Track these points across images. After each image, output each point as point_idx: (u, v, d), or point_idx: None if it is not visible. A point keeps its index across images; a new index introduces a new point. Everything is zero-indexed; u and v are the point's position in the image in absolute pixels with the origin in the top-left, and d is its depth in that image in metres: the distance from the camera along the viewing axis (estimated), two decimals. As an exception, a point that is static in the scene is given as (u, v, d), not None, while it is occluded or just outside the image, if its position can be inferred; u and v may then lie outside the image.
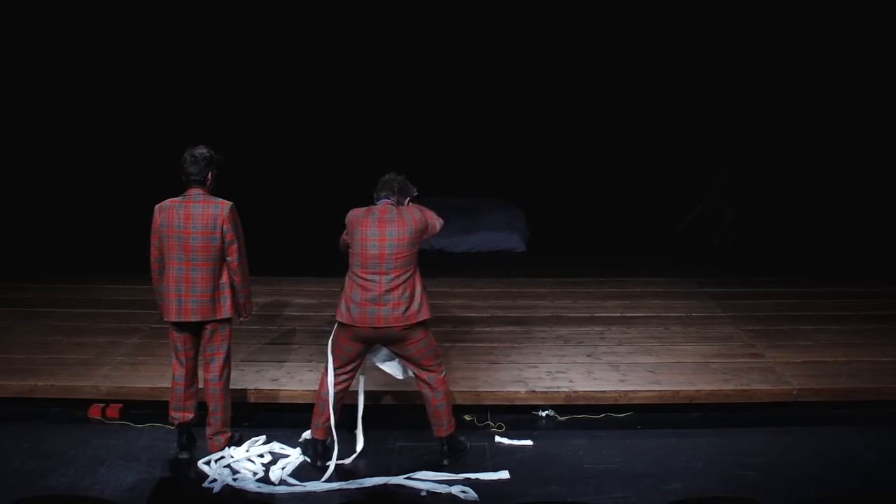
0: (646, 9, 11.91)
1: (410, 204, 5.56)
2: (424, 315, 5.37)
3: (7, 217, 10.38)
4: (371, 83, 12.42)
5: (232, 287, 5.54)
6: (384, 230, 5.31)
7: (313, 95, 12.43)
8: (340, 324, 5.41)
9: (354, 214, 5.42)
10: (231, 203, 5.50)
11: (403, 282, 5.31)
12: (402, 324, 5.30)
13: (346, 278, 5.43)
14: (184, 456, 5.63)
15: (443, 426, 5.57)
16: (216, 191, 5.57)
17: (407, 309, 5.30)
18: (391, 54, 12.28)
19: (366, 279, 5.30)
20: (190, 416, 5.66)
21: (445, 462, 5.54)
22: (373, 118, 12.45)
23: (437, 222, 5.60)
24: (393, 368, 5.68)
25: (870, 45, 11.11)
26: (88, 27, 11.28)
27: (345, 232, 5.49)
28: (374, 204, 5.44)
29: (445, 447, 5.59)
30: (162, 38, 11.62)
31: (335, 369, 5.48)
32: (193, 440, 5.71)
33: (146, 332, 7.27)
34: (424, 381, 5.52)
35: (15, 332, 7.30)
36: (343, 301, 5.40)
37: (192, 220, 5.40)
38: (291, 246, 10.45)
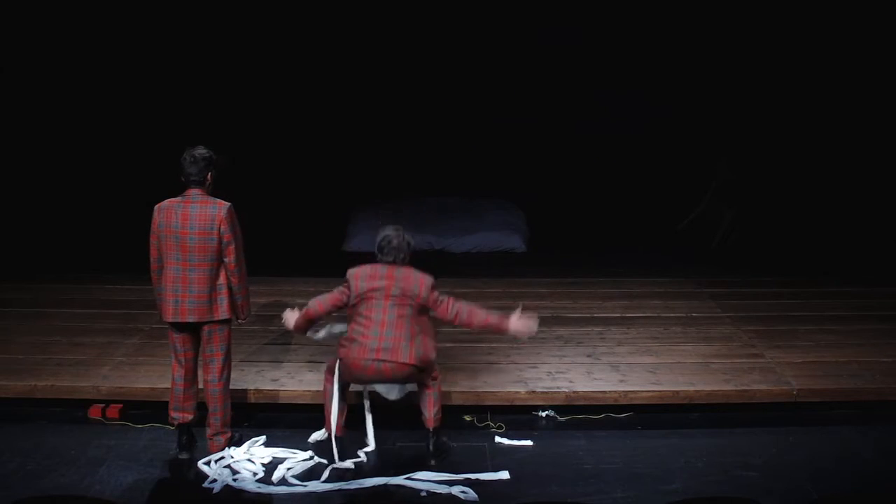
0: (647, 8, 11.90)
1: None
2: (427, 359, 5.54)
3: (7, 217, 10.37)
4: (371, 83, 12.41)
5: (230, 288, 5.54)
6: (391, 284, 5.44)
7: (313, 96, 12.43)
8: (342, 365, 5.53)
9: (360, 272, 5.50)
10: (229, 204, 5.49)
11: (409, 334, 5.44)
12: (406, 371, 5.48)
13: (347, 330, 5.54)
14: (184, 456, 5.63)
15: (433, 416, 5.62)
16: (216, 191, 5.57)
17: (409, 355, 5.42)
18: (391, 54, 12.27)
19: (367, 331, 5.41)
20: (190, 416, 5.66)
21: (433, 462, 5.56)
22: (373, 118, 12.45)
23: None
24: (385, 389, 5.76)
25: (871, 44, 11.11)
26: (89, 27, 11.28)
27: (342, 290, 5.52)
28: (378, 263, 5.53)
29: (432, 441, 5.62)
30: (162, 38, 11.62)
31: (340, 387, 5.59)
32: (193, 440, 5.71)
33: (146, 333, 7.27)
34: (428, 387, 5.65)
35: (15, 332, 7.30)
36: (347, 346, 5.47)
37: (190, 220, 5.40)
38: (291, 246, 10.45)
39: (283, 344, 7.12)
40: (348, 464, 5.53)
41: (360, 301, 5.46)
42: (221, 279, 5.50)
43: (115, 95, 11.67)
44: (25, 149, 11.20)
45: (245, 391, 6.20)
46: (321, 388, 5.85)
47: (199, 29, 11.65)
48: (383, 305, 5.42)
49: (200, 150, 5.51)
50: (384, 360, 5.39)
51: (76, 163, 11.40)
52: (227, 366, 5.65)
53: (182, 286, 5.45)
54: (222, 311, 5.53)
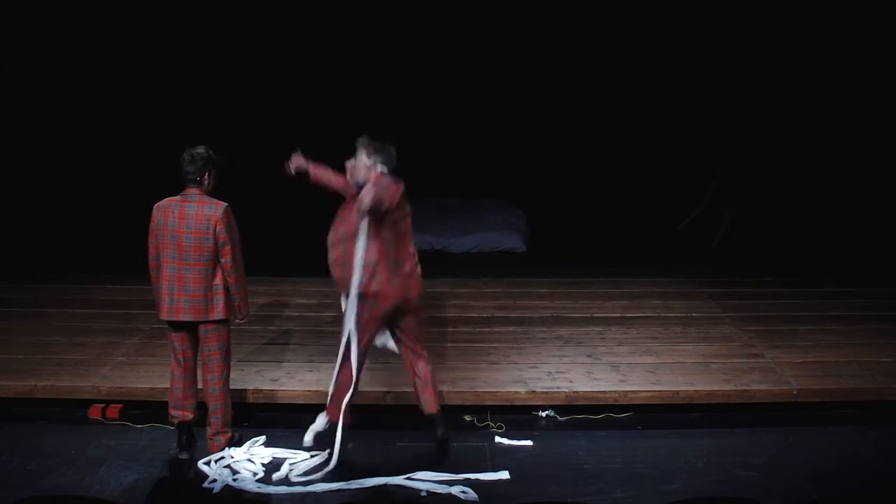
0: (647, 9, 11.91)
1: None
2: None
3: (7, 217, 10.37)
4: (371, 82, 12.42)
5: (227, 289, 5.53)
6: (404, 197, 5.57)
7: (314, 95, 12.43)
8: (374, 303, 5.45)
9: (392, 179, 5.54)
10: (226, 205, 5.49)
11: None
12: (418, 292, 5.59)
13: (378, 260, 5.43)
14: (183, 456, 5.63)
15: (434, 399, 5.67)
16: (217, 191, 5.57)
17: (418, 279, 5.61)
18: (391, 54, 12.28)
19: (409, 254, 5.53)
20: (189, 415, 5.66)
21: (441, 433, 5.61)
22: (373, 118, 12.42)
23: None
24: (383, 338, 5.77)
25: (871, 43, 11.11)
26: (90, 26, 11.28)
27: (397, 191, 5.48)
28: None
29: (440, 425, 5.65)
30: (163, 37, 11.62)
31: (360, 350, 5.53)
32: (193, 440, 5.71)
33: (146, 333, 7.27)
34: (417, 353, 5.66)
35: (15, 332, 7.30)
36: (378, 276, 5.42)
37: (187, 219, 5.42)
38: (291, 246, 10.44)
39: (283, 344, 7.12)
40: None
41: (388, 212, 5.39)
42: (218, 279, 5.50)
43: (116, 95, 11.68)
44: (26, 149, 11.20)
45: (245, 391, 6.20)
46: (321, 389, 5.85)
47: (200, 29, 11.65)
48: (404, 220, 5.49)
49: (199, 150, 5.52)
50: (408, 280, 5.50)
51: (76, 163, 11.40)
52: (225, 365, 5.65)
53: (178, 285, 5.46)
54: (218, 312, 5.52)
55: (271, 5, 11.93)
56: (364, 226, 5.39)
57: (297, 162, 5.98)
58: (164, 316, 5.53)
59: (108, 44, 11.47)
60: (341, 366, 5.54)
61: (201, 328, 5.54)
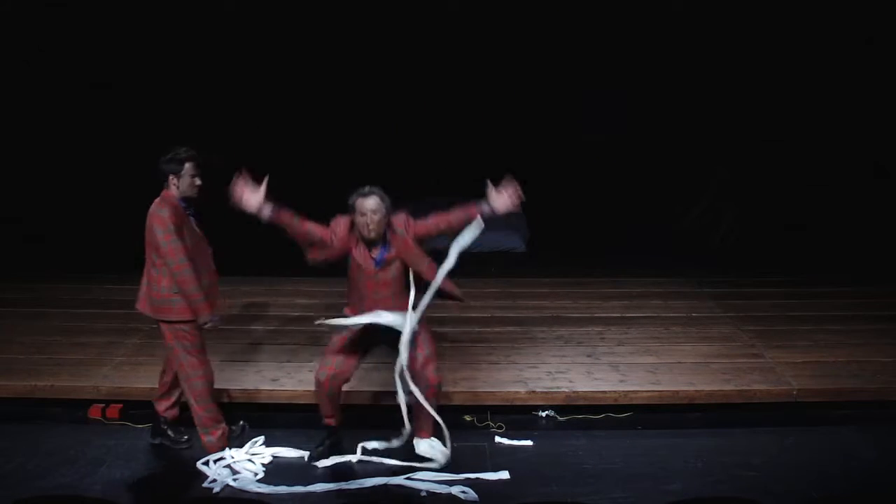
0: (645, 7, 11.90)
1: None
2: None
3: (7, 217, 10.36)
4: (369, 82, 12.41)
5: (175, 291, 5.50)
6: None
7: (311, 94, 12.42)
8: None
9: None
10: (162, 207, 5.43)
11: None
12: None
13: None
14: (155, 441, 5.80)
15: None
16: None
17: None
18: (390, 53, 12.27)
19: None
20: (159, 403, 5.81)
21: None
22: (371, 118, 12.44)
23: None
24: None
25: (871, 41, 11.10)
26: (91, 26, 11.28)
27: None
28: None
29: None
30: (164, 37, 11.62)
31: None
32: (165, 432, 5.80)
33: (146, 333, 7.26)
34: None
35: (15, 332, 7.30)
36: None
37: (147, 219, 5.51)
38: (291, 246, 10.42)
39: (283, 344, 7.12)
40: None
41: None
42: (166, 281, 5.49)
43: (117, 94, 11.66)
44: (25, 148, 11.20)
45: (245, 391, 6.20)
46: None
47: (202, 29, 11.65)
48: None
49: (173, 151, 5.56)
50: None
51: (77, 162, 11.38)
52: (187, 365, 5.59)
53: (142, 280, 5.62)
54: (166, 312, 5.54)
55: (272, 7, 11.93)
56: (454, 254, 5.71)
57: (249, 197, 5.38)
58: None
59: (108, 43, 11.45)
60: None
61: (159, 324, 5.61)
